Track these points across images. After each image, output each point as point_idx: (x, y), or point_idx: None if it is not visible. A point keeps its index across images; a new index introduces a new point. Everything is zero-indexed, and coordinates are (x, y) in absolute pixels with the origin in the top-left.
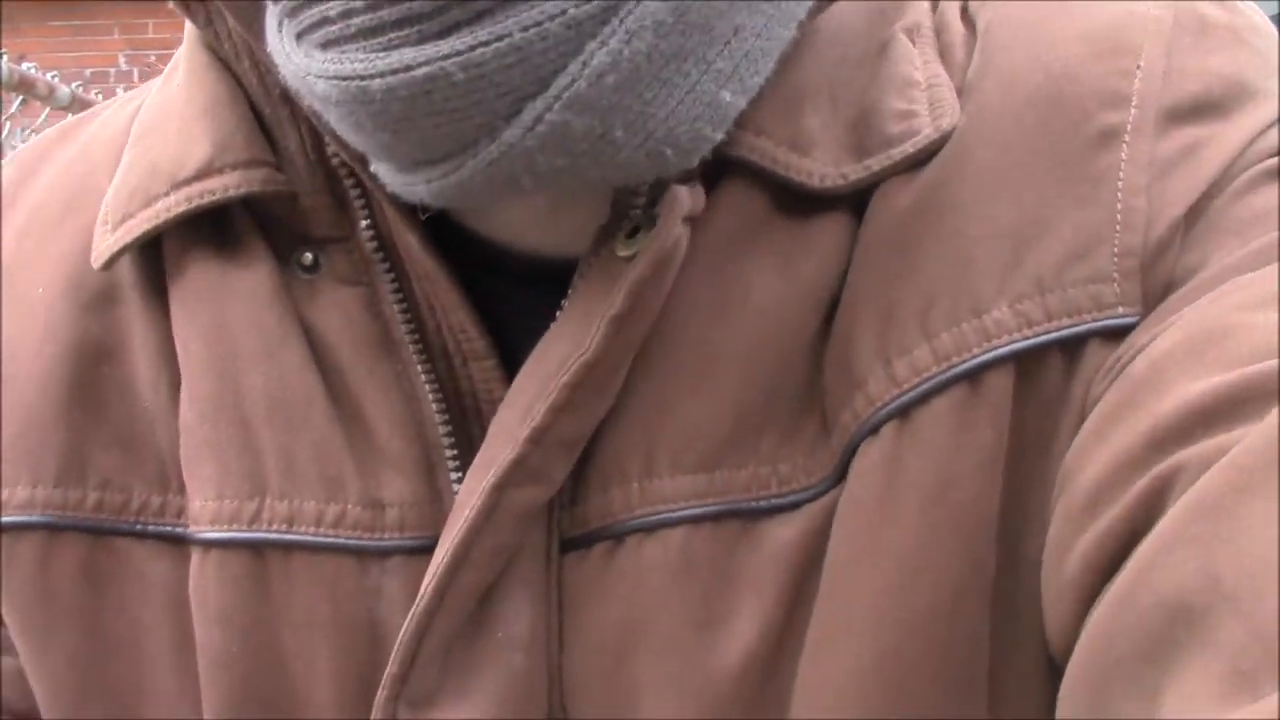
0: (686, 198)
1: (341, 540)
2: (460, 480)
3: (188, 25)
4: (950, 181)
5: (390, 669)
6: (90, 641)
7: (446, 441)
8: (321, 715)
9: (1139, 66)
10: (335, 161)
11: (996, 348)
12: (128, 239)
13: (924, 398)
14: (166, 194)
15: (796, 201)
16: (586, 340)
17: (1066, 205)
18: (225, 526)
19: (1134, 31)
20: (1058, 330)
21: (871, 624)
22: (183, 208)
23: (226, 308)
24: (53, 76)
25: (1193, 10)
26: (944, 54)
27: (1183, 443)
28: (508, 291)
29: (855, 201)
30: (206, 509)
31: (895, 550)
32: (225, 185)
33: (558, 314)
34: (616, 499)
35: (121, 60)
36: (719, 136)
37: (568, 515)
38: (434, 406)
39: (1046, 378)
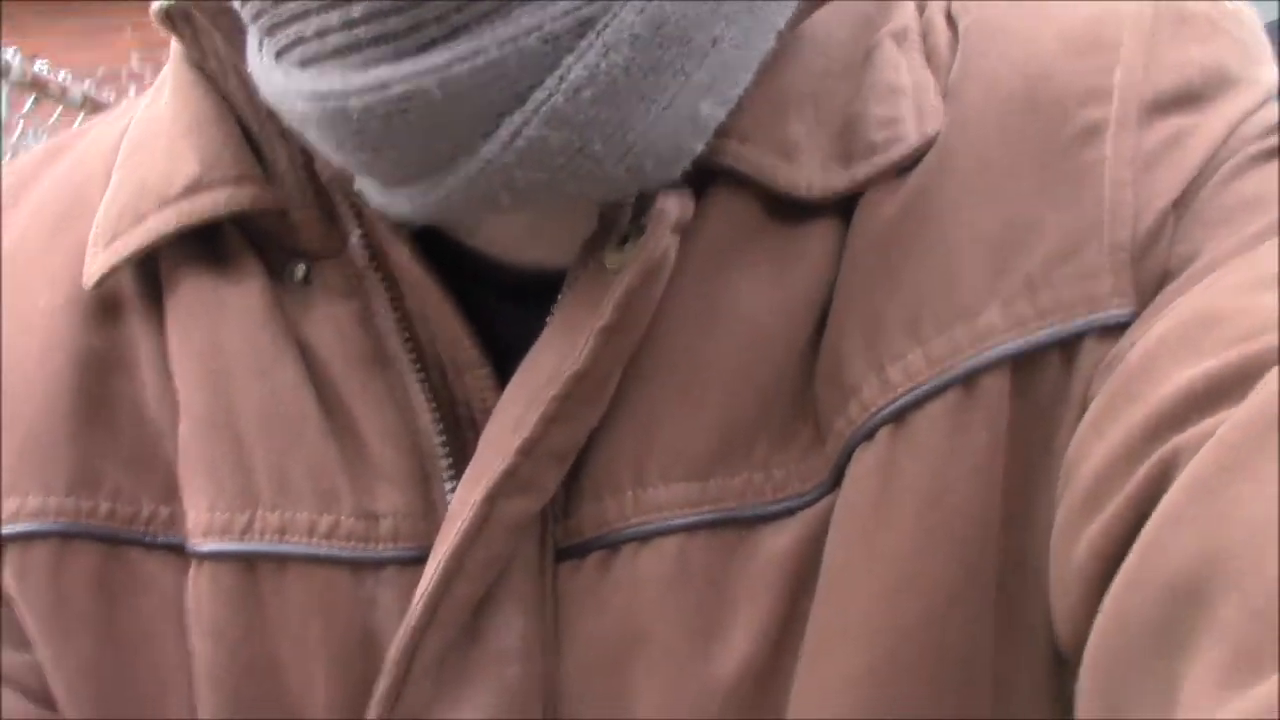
0: (675, 207)
1: (335, 551)
2: (455, 491)
3: (173, 42)
4: (935, 188)
5: (383, 682)
6: (104, 649)
7: (441, 452)
8: None
9: (1119, 60)
10: (325, 176)
11: (989, 350)
12: (117, 258)
13: (918, 402)
14: (156, 211)
15: (784, 210)
16: (576, 352)
17: (1053, 204)
18: (217, 538)
19: (1112, 27)
20: (1051, 329)
21: (867, 629)
22: (171, 226)
23: (220, 323)
24: (65, 76)
25: (1170, 3)
26: (930, 57)
27: (1180, 427)
28: (500, 303)
29: (842, 209)
30: (199, 521)
31: (891, 555)
32: (214, 202)
33: (547, 325)
34: (610, 509)
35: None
36: (699, 148)
37: (561, 526)
38: (429, 418)
39: (1044, 378)
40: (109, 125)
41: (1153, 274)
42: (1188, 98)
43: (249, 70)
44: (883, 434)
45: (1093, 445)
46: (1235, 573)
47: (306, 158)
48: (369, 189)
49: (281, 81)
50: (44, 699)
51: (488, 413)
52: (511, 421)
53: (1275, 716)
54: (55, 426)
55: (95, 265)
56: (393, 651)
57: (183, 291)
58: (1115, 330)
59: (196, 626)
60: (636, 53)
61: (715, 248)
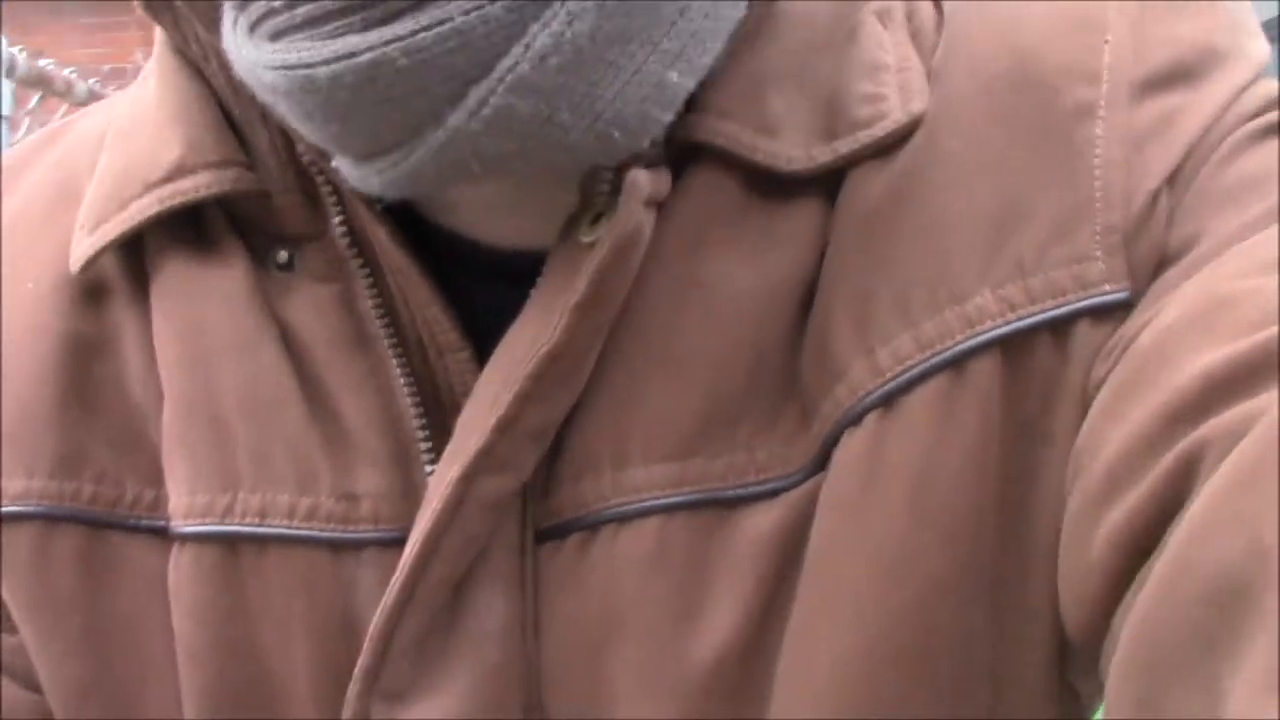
0: (646, 182)
1: (315, 533)
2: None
3: (157, 29)
4: (922, 169)
5: (362, 662)
6: (89, 632)
7: (421, 435)
8: (297, 708)
9: (1107, 40)
10: (306, 160)
11: (980, 334)
12: (102, 242)
13: (907, 386)
14: (139, 196)
15: (766, 187)
16: (550, 329)
17: (1043, 186)
18: (198, 520)
19: (1100, 7)
20: (1042, 313)
21: (855, 614)
22: (155, 209)
23: (202, 307)
24: (70, 73)
25: None
26: (915, 36)
27: (1203, 416)
28: (481, 285)
29: (827, 187)
30: (181, 504)
31: (878, 541)
32: (196, 186)
33: (525, 304)
34: (589, 489)
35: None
36: (668, 118)
37: (541, 507)
38: (408, 400)
39: (1036, 362)
40: (99, 113)
41: (1148, 255)
42: (1178, 75)
43: (224, 48)
44: (871, 418)
45: (1108, 433)
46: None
47: (288, 141)
48: (343, 166)
49: (253, 55)
50: (32, 682)
51: (468, 394)
52: (488, 401)
53: None
54: (40, 410)
55: (80, 250)
56: (371, 631)
57: (167, 275)
58: (1110, 312)
59: (178, 607)
60: (602, 20)
61: (696, 224)
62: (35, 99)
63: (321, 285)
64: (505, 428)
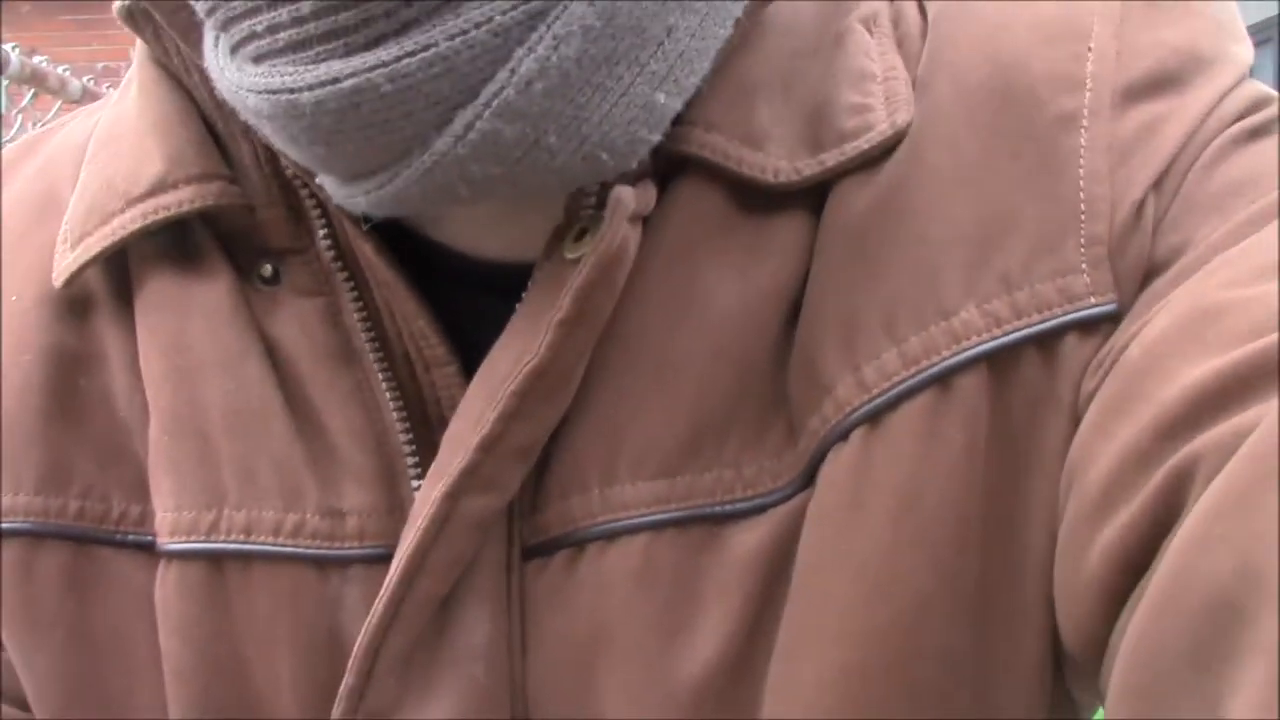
0: (631, 198)
1: (300, 550)
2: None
3: (138, 41)
4: (907, 182)
5: (347, 681)
6: (75, 648)
7: (407, 450)
8: None
9: (1090, 48)
10: (290, 173)
11: (966, 350)
12: (85, 257)
13: (894, 403)
14: (121, 211)
15: (752, 199)
16: (535, 345)
17: (1027, 199)
18: (184, 538)
19: (1082, 14)
20: (1028, 327)
21: (841, 632)
22: (138, 224)
23: (186, 321)
24: (64, 70)
25: None
26: (901, 44)
27: (1194, 430)
28: (468, 299)
29: (813, 199)
30: (166, 520)
31: (864, 558)
32: (179, 200)
33: (510, 320)
34: (576, 506)
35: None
36: (656, 138)
37: (528, 523)
38: (394, 415)
39: (1023, 377)
40: (81, 122)
41: (1135, 265)
42: (1162, 82)
43: (206, 67)
44: (857, 434)
45: (1099, 447)
46: (1274, 591)
47: (271, 155)
48: (328, 185)
49: (236, 77)
50: (18, 697)
51: (456, 409)
52: (473, 419)
53: None
54: (25, 425)
55: (64, 264)
56: (356, 649)
57: (151, 289)
58: (1097, 325)
59: (164, 625)
60: (589, 44)
61: (682, 238)
62: (28, 96)
63: (306, 299)
64: (490, 446)
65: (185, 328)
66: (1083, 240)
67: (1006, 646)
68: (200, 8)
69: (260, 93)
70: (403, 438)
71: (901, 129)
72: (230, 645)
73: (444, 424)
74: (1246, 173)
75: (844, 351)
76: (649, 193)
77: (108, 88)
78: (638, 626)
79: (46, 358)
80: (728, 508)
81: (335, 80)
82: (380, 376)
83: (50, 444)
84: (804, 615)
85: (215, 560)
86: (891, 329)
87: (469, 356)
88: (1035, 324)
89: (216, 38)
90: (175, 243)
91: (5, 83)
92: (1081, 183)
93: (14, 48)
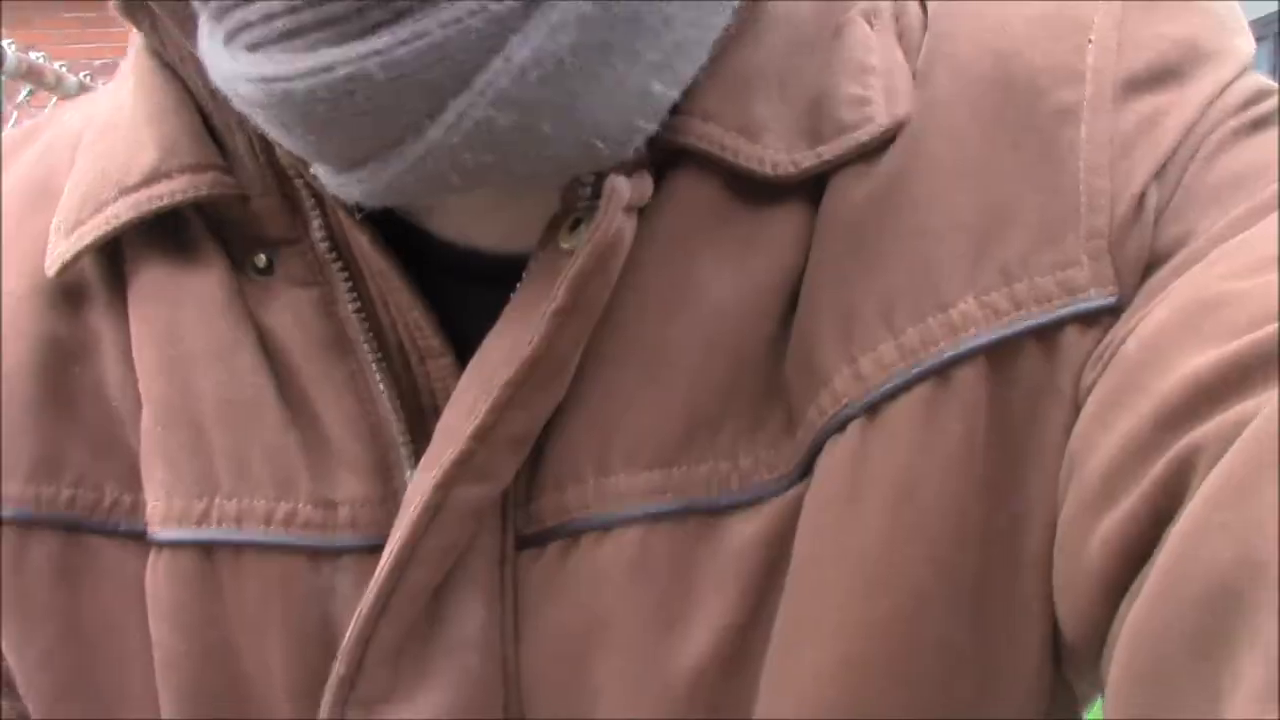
0: (627, 188)
1: (292, 539)
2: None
3: (133, 31)
4: (906, 174)
5: (337, 670)
6: (66, 637)
7: (401, 440)
8: (274, 714)
9: (1090, 40)
10: (284, 163)
11: (964, 342)
12: (79, 246)
13: (891, 395)
14: (115, 200)
15: (750, 190)
16: (529, 335)
17: (1028, 191)
18: (175, 526)
19: (1083, 8)
20: (1027, 320)
21: (839, 624)
22: (131, 214)
23: (179, 311)
24: (61, 66)
25: None
26: (901, 37)
27: (1193, 421)
28: (463, 290)
29: (810, 191)
30: (158, 509)
31: (862, 550)
32: (173, 190)
33: (504, 310)
34: (571, 497)
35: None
36: (652, 128)
37: (522, 513)
38: (388, 406)
39: (1022, 370)
40: (77, 111)
41: (1135, 258)
42: (1162, 75)
43: (201, 56)
44: (854, 426)
45: (1099, 438)
46: (1274, 580)
47: (266, 145)
48: (323, 174)
49: (230, 66)
50: (10, 686)
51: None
52: (466, 409)
53: None
54: (18, 414)
55: (57, 253)
56: (347, 639)
57: (144, 279)
58: (1097, 318)
59: (155, 613)
60: (584, 33)
61: (678, 229)
62: (25, 92)
63: (301, 289)
64: (483, 436)
65: (178, 318)
66: (1083, 233)
67: (1005, 638)
68: None
69: (254, 81)
70: (397, 428)
71: (901, 120)
72: (221, 634)
73: (438, 415)
74: (1247, 165)
75: (841, 343)
76: (645, 183)
77: (103, 83)
78: (633, 618)
79: (39, 348)
80: (724, 499)
81: (329, 68)
82: (374, 367)
83: (43, 433)
84: (801, 607)
85: (206, 549)
86: (889, 321)
87: (463, 347)
88: (1035, 316)
89: (211, 27)
90: (169, 232)
91: (2, 78)
92: (1082, 175)
93: (10, 44)
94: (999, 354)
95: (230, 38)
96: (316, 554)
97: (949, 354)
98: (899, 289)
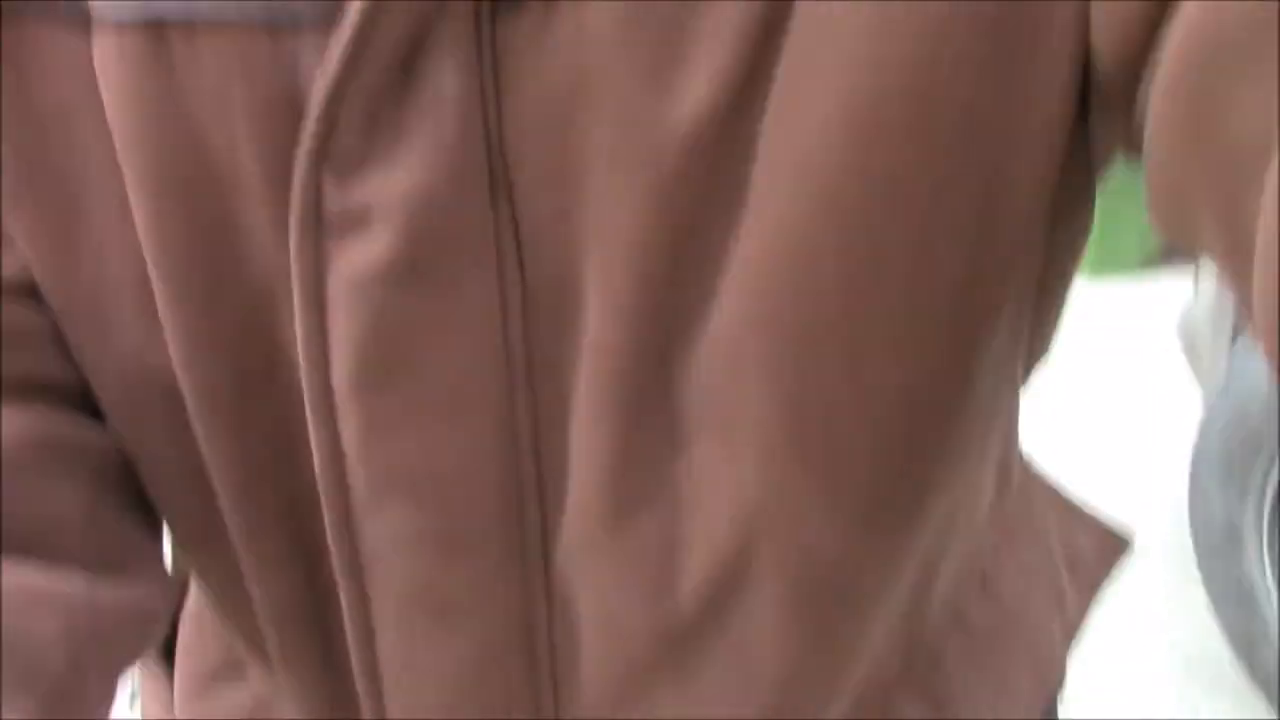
0: None
1: (247, 14)
2: None
3: None
4: None
5: (308, 135)
6: (21, 131)
7: None
8: (250, 193)
9: None
10: None
11: None
12: None
13: None
14: None
15: None
16: None
17: None
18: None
19: None
20: None
21: (849, 61)
22: None
23: None
24: None
25: None
26: None
27: None
28: None
29: None
30: None
31: None
32: None
33: None
34: None
35: None
36: None
37: None
38: None
39: None
40: None
41: None
42: None
43: None
44: None
45: None
46: None
47: None
48: None
49: None
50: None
51: None
52: None
53: None
54: None
55: None
56: (315, 103)
57: None
58: None
59: (109, 97)
60: None
61: None
62: None
63: None
64: None
65: None
66: None
67: (1024, 99)
68: None
69: None
70: None
71: None
72: (180, 115)
73: None
74: None
75: None
76: None
77: None
78: (621, 76)
79: None
80: None
81: None
82: None
83: None
84: (807, 48)
85: (157, 30)
86: None
87: None
88: None
89: None
90: None
91: None
92: None
93: None
94: None
95: None
96: (275, 30)
97: None
98: None
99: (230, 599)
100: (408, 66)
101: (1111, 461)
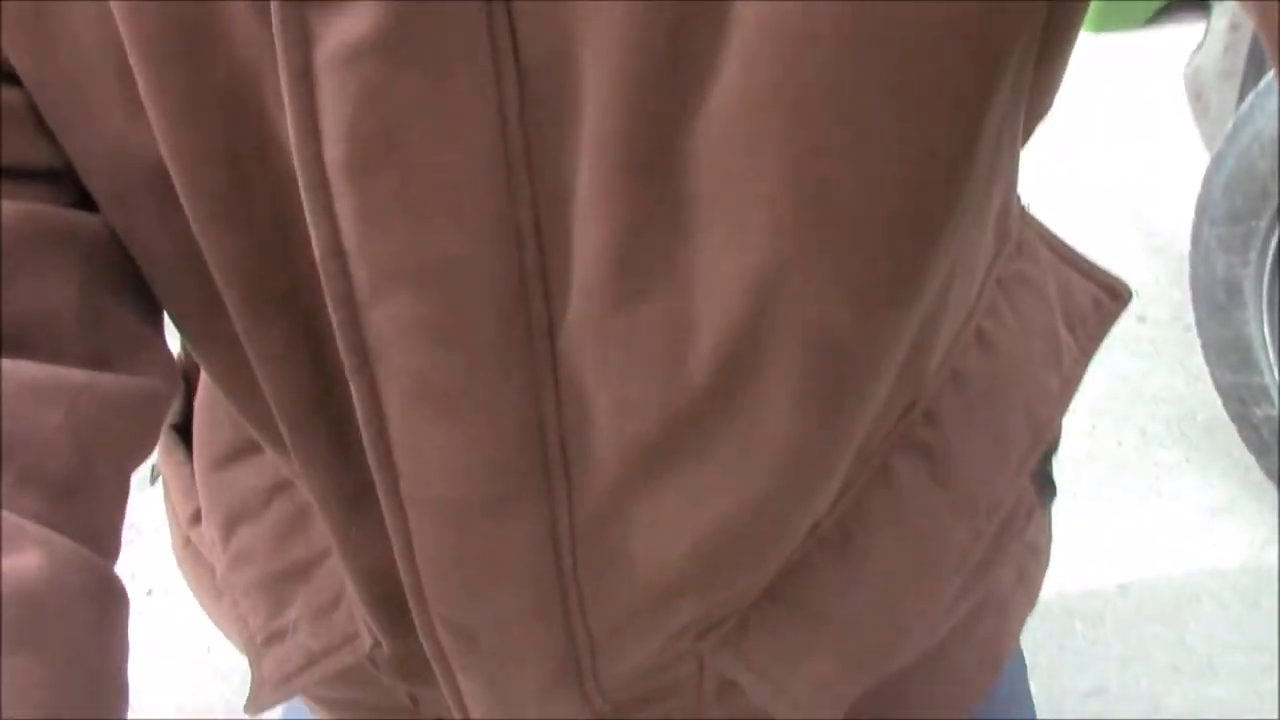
0: None
1: None
2: None
3: None
4: None
5: None
6: None
7: None
8: (236, 26)
9: None
10: None
11: None
12: None
13: None
14: None
15: None
16: None
17: None
18: None
19: None
20: None
21: None
22: None
23: None
24: None
25: None
26: None
27: None
28: None
29: None
30: None
31: None
32: None
33: None
34: None
35: None
36: None
37: None
38: None
39: None
40: None
41: None
42: None
43: None
44: None
45: None
46: None
47: None
48: None
49: None
50: None
51: None
52: None
53: None
54: None
55: None
56: None
57: None
58: None
59: None
60: None
61: None
62: None
63: None
64: None
65: None
66: None
67: None
68: None
69: None
70: None
71: None
72: None
73: None
74: None
75: None
76: None
77: None
78: None
79: None
80: None
81: None
82: None
83: None
84: None
85: None
86: None
87: None
88: None
89: None
90: None
91: None
92: None
93: None
94: None
95: None
96: None
97: None
98: None
99: (239, 390)
100: None
101: (1113, 219)
